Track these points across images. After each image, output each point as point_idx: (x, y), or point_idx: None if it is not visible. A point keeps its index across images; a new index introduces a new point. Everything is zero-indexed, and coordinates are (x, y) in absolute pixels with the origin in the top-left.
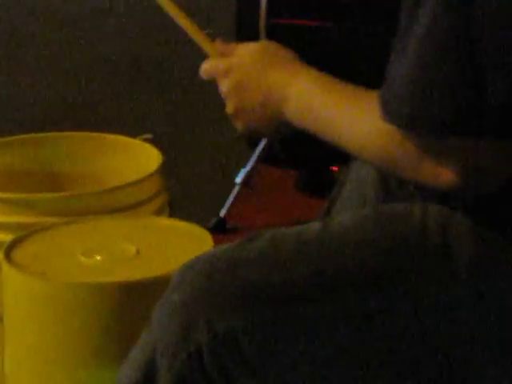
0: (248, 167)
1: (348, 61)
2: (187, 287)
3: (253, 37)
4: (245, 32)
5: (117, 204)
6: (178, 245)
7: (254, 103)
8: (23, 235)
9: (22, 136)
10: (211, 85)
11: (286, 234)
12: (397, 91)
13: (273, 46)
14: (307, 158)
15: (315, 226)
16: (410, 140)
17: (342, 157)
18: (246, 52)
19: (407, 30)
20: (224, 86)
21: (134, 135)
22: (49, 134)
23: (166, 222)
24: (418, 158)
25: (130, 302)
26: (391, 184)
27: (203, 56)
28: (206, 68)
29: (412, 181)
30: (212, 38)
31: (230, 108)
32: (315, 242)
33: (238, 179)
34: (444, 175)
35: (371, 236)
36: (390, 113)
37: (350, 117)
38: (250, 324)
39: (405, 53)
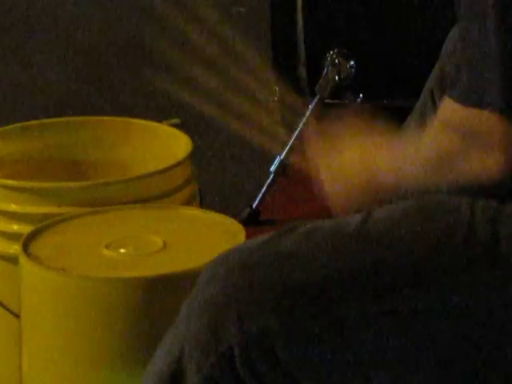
0: (283, 154)
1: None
2: (218, 283)
3: (288, 12)
4: (279, 7)
5: (143, 193)
6: (207, 238)
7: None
8: (42, 226)
9: (41, 121)
10: (243, 66)
11: (325, 227)
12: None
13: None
14: None
15: (355, 218)
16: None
17: None
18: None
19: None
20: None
21: (159, 120)
22: (70, 118)
23: (195, 212)
24: (466, 147)
25: (156, 298)
26: None
27: (232, 38)
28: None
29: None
30: (244, 16)
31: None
32: (355, 236)
33: (273, 168)
34: (491, 164)
35: (415, 230)
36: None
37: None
38: (286, 323)
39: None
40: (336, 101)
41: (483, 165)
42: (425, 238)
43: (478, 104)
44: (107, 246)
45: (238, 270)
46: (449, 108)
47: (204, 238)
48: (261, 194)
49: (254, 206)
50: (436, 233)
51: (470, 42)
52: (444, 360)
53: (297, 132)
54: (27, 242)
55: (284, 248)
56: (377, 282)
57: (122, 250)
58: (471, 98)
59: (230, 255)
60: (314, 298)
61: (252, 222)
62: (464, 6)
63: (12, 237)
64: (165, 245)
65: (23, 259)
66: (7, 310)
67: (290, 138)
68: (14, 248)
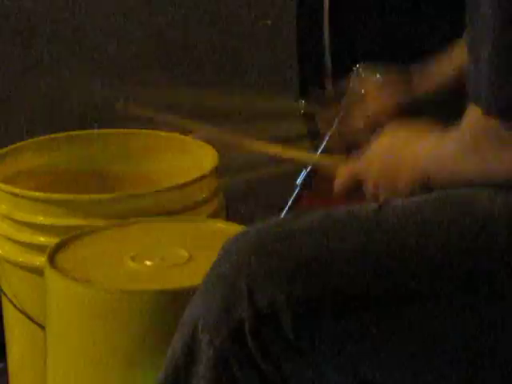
0: (309, 167)
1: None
2: (232, 259)
3: (315, 26)
4: (306, 20)
5: (170, 206)
6: None
7: (404, 180)
8: (68, 238)
9: (69, 133)
10: (269, 79)
11: (340, 212)
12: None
13: (398, 129)
14: None
15: (372, 205)
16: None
17: None
18: (377, 144)
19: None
20: (371, 180)
21: (186, 132)
22: (97, 131)
23: (220, 225)
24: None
25: (182, 311)
26: None
27: (258, 51)
28: (343, 175)
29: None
30: (270, 29)
31: (385, 193)
32: (371, 219)
33: (299, 180)
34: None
35: (433, 218)
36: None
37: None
38: (294, 299)
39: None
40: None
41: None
42: (441, 226)
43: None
44: (133, 258)
45: (251, 246)
46: (472, 111)
47: None
48: (287, 207)
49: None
50: (453, 222)
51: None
52: (453, 356)
53: (323, 145)
54: (53, 254)
55: (298, 227)
56: (388, 265)
57: (148, 263)
58: (482, 104)
59: (246, 233)
60: (324, 276)
61: None
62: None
63: (38, 249)
64: (190, 257)
65: (49, 271)
66: (33, 320)
67: (316, 151)
68: (40, 260)
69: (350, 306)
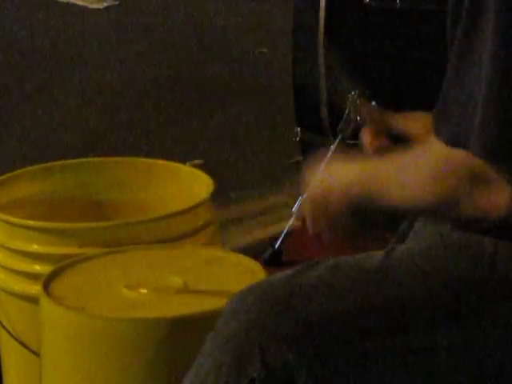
0: (305, 195)
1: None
2: (240, 317)
3: (310, 53)
4: (302, 50)
5: (165, 234)
6: (228, 278)
7: (333, 208)
8: (62, 266)
9: (64, 161)
10: (263, 107)
11: (347, 263)
12: (470, 115)
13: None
14: None
15: (378, 254)
16: (468, 166)
17: None
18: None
19: (464, 49)
20: (309, 218)
21: (183, 161)
22: (92, 159)
23: (215, 253)
24: (473, 184)
25: (177, 339)
26: None
27: (252, 74)
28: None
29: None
30: (266, 57)
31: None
32: (378, 271)
33: (295, 208)
34: (500, 200)
35: (438, 267)
36: (459, 142)
37: (402, 170)
38: (308, 358)
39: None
40: (358, 141)
41: (490, 202)
42: (447, 275)
43: (467, 147)
44: (127, 286)
45: (261, 303)
46: (442, 147)
47: (224, 278)
48: (283, 235)
49: (276, 246)
50: (458, 270)
51: (461, 83)
52: None
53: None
54: (48, 282)
55: (306, 282)
56: (397, 318)
57: (142, 290)
58: (459, 141)
59: (253, 289)
60: (336, 333)
61: (274, 262)
62: (459, 49)
63: (34, 277)
64: (185, 285)
65: (43, 299)
66: (28, 348)
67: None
68: (36, 288)
69: (365, 363)
